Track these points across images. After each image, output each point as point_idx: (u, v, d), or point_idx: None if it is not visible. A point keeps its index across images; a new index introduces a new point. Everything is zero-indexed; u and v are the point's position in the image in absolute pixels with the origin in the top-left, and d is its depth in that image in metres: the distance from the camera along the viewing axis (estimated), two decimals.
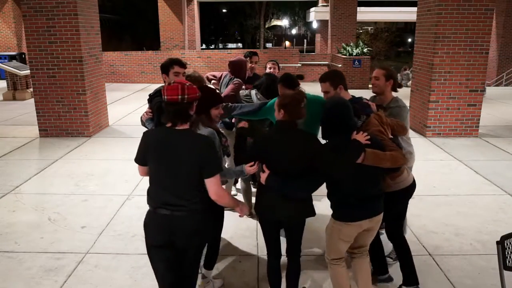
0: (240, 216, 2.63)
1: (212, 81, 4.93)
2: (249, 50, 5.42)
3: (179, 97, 2.32)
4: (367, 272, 2.92)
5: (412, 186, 3.12)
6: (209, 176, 2.35)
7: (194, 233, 2.39)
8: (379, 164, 2.63)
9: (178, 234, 2.36)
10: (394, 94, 3.44)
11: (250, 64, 5.02)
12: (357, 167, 2.59)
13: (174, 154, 2.36)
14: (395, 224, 3.20)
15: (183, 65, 3.53)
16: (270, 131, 2.88)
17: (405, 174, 3.04)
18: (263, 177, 2.66)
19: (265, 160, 2.69)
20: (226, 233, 3.92)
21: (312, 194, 2.78)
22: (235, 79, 4.46)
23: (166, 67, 3.46)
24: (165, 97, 2.35)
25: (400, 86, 3.48)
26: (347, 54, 15.19)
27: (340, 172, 2.58)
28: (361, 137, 2.64)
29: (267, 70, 5.00)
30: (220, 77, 4.88)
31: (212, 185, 2.36)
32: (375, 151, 2.63)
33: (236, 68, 4.60)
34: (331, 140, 2.71)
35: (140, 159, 2.63)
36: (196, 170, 2.34)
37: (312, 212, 2.77)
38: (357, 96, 3.23)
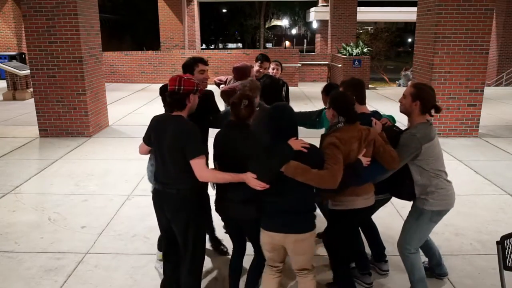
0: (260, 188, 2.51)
1: (220, 86, 4.89)
2: (261, 52, 5.20)
3: (176, 87, 2.69)
4: None
5: (363, 211, 2.82)
6: (191, 158, 2.59)
7: (179, 209, 2.71)
8: (299, 179, 2.48)
9: (166, 208, 2.77)
10: (429, 118, 2.90)
11: (258, 68, 4.65)
12: (282, 177, 2.49)
13: (164, 137, 2.68)
14: (337, 239, 2.92)
15: (206, 62, 3.66)
16: (221, 131, 2.83)
17: (350, 197, 2.74)
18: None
19: (218, 157, 2.78)
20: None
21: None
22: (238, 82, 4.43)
23: (190, 66, 3.56)
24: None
25: (439, 109, 2.86)
26: (347, 54, 15.18)
27: (261, 175, 2.49)
28: (296, 143, 2.53)
29: (270, 71, 4.99)
30: (226, 81, 4.88)
31: (194, 166, 2.60)
32: (298, 165, 2.47)
33: (239, 73, 4.55)
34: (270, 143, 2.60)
35: (146, 138, 2.89)
36: (180, 152, 2.61)
37: (253, 214, 2.66)
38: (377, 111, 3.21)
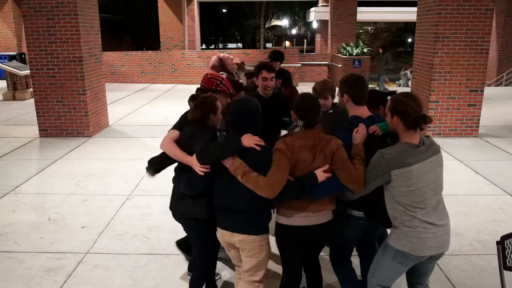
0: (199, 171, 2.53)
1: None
2: (273, 49, 5.12)
3: (200, 84, 2.98)
4: None
5: (306, 230, 2.47)
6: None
7: (184, 214, 2.80)
8: (239, 179, 2.36)
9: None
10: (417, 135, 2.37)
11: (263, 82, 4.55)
12: (226, 175, 2.42)
13: None
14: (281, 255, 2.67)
15: (270, 69, 3.60)
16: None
17: (293, 211, 2.47)
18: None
19: None
20: None
21: None
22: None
23: (256, 72, 3.64)
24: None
25: (426, 120, 2.31)
26: (347, 54, 15.18)
27: (200, 156, 2.48)
28: (249, 139, 2.40)
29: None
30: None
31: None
32: (241, 164, 2.36)
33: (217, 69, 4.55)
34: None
35: None
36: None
37: (203, 212, 2.64)
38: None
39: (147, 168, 3.01)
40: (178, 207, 2.80)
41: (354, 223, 2.64)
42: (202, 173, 2.50)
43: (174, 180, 2.83)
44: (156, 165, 2.97)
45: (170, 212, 4.60)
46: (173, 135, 2.80)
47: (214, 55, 4.91)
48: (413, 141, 2.32)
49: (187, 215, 2.77)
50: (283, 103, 3.67)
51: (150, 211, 4.70)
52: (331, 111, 3.29)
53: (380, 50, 13.47)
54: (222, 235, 2.57)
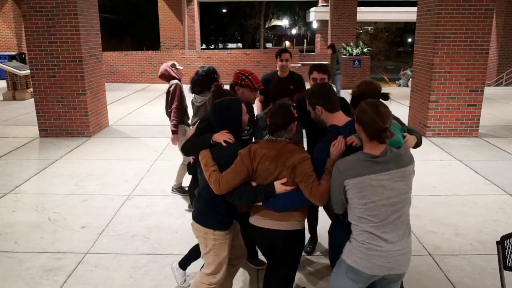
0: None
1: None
2: (280, 48, 5.18)
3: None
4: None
5: (258, 231, 2.51)
6: None
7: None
8: (203, 168, 2.54)
9: None
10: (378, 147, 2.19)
11: (280, 63, 4.38)
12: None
13: None
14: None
15: (320, 69, 3.55)
16: None
17: (253, 215, 2.53)
18: None
19: None
20: None
21: None
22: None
23: (309, 73, 3.68)
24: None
25: (382, 138, 2.12)
26: (347, 54, 15.19)
27: (182, 150, 2.90)
28: (220, 135, 2.55)
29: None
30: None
31: None
32: (206, 156, 2.55)
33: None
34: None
35: None
36: None
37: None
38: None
39: None
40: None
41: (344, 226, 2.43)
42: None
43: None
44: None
45: (170, 212, 4.65)
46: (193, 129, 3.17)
47: (164, 63, 5.11)
48: (374, 152, 2.15)
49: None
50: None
51: (150, 211, 4.70)
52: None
53: (329, 51, 13.14)
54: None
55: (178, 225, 4.36)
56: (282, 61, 4.35)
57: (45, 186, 5.45)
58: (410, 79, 12.08)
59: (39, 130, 7.86)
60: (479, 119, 7.71)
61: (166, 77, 4.92)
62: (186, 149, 2.83)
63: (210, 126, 2.73)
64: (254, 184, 2.45)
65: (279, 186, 2.37)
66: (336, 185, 2.21)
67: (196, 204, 2.72)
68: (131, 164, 6.24)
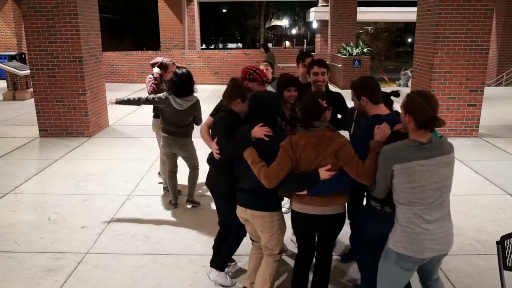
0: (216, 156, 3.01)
1: None
2: (301, 50, 5.11)
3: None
4: (254, 269, 3.05)
5: (303, 218, 2.65)
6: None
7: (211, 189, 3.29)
8: (250, 165, 2.67)
9: None
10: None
11: (304, 68, 4.00)
12: (242, 159, 2.74)
13: None
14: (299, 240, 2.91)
15: (320, 64, 3.62)
16: None
17: (297, 203, 2.66)
18: None
19: None
20: None
21: None
22: None
23: (308, 68, 3.71)
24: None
25: (439, 123, 2.25)
26: (347, 54, 15.18)
27: (222, 152, 2.91)
28: (259, 130, 2.67)
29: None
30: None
31: None
32: (251, 153, 2.67)
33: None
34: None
35: None
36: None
37: (223, 188, 3.07)
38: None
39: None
40: (208, 181, 3.27)
41: (386, 218, 2.56)
42: (217, 158, 2.97)
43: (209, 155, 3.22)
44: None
45: (170, 212, 4.65)
46: (208, 121, 3.33)
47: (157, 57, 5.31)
48: (421, 140, 2.27)
49: (212, 187, 3.26)
50: (334, 99, 3.48)
51: (150, 211, 4.70)
52: None
53: (262, 50, 12.95)
54: (239, 210, 2.93)
55: (178, 225, 4.36)
56: (316, 74, 3.60)
57: (45, 186, 5.45)
58: (410, 79, 12.07)
59: (39, 130, 7.86)
60: (479, 119, 7.71)
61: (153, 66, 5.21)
62: (227, 152, 2.87)
63: (231, 125, 2.90)
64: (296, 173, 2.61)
65: (324, 173, 2.51)
66: (382, 170, 2.33)
67: (245, 196, 2.83)
68: (131, 164, 6.24)
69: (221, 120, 3.04)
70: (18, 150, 7.02)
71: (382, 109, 2.72)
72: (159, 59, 5.22)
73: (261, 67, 5.12)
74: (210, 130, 3.26)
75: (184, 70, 4.41)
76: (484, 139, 7.60)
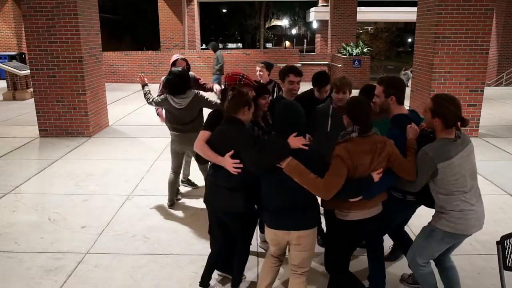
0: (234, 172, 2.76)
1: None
2: (265, 60, 5.18)
3: (223, 84, 3.24)
4: (271, 283, 2.91)
5: (358, 224, 2.69)
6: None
7: (222, 209, 2.96)
8: (296, 179, 2.50)
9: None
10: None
11: (291, 85, 3.79)
12: (277, 176, 2.55)
13: None
14: (332, 252, 2.90)
15: (297, 73, 3.67)
16: (220, 124, 2.97)
17: (350, 210, 2.66)
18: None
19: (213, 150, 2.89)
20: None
21: None
22: None
23: (281, 75, 3.70)
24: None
25: (465, 123, 2.61)
26: (347, 54, 15.18)
27: (256, 166, 2.60)
28: (296, 141, 2.53)
29: (257, 74, 5.07)
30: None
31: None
32: (297, 165, 2.49)
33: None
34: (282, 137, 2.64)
35: None
36: None
37: (240, 207, 2.80)
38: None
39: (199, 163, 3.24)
40: (217, 202, 2.93)
41: (408, 206, 3.00)
42: (235, 173, 2.70)
43: (211, 175, 2.92)
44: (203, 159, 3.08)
45: (170, 212, 4.65)
46: (204, 136, 2.96)
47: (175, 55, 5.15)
48: (450, 136, 2.60)
49: (225, 209, 2.89)
50: (308, 105, 3.61)
51: (150, 211, 4.70)
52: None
53: (211, 49, 12.72)
54: (276, 234, 2.68)
55: (178, 225, 4.36)
56: (291, 83, 3.68)
57: (45, 186, 5.45)
58: (410, 79, 12.08)
59: (39, 130, 7.86)
60: (479, 119, 7.71)
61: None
62: (262, 165, 2.59)
63: (253, 135, 2.86)
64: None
65: (376, 176, 2.57)
66: (426, 169, 2.58)
67: (291, 216, 2.60)
68: (131, 164, 6.24)
69: (241, 131, 2.78)
70: (18, 150, 7.02)
71: (403, 109, 2.93)
72: (175, 57, 5.07)
73: (257, 68, 5.14)
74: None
75: (179, 68, 4.40)
76: (484, 139, 7.60)
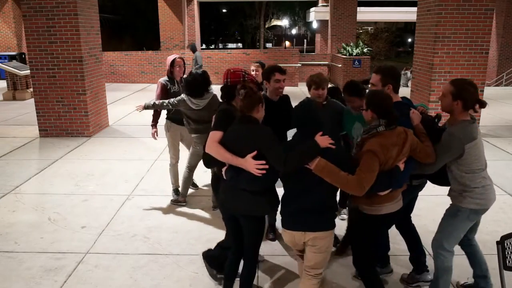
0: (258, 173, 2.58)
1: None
2: (260, 60, 5.19)
3: (224, 80, 3.06)
4: None
5: (389, 216, 2.76)
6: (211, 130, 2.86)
7: (244, 212, 2.79)
8: (326, 179, 2.49)
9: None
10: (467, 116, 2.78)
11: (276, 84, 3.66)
12: (308, 176, 2.51)
13: None
14: (361, 241, 2.87)
15: (282, 71, 3.65)
16: (233, 124, 2.81)
17: (379, 204, 2.69)
18: (224, 169, 2.75)
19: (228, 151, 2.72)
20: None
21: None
22: None
23: (267, 74, 3.66)
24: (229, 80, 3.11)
25: (483, 104, 2.74)
26: (347, 54, 15.19)
27: (285, 166, 2.50)
28: (324, 140, 2.52)
29: (252, 73, 5.06)
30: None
31: (208, 137, 2.83)
32: (327, 164, 2.47)
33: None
34: (303, 137, 2.61)
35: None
36: None
37: (264, 210, 2.74)
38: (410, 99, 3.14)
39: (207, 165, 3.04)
40: (238, 205, 2.74)
41: (411, 190, 3.08)
42: (260, 174, 2.55)
43: (232, 179, 2.71)
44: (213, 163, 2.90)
45: (170, 212, 4.65)
46: (217, 136, 2.76)
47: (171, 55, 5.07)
48: (468, 118, 2.75)
49: (247, 212, 2.74)
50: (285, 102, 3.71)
51: (150, 211, 4.70)
52: (325, 102, 3.52)
53: (189, 50, 12.62)
54: (293, 236, 2.65)
55: (178, 225, 4.36)
56: (278, 81, 3.61)
57: (45, 186, 5.45)
58: (410, 80, 12.08)
59: (39, 130, 7.86)
60: (479, 119, 7.71)
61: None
62: (292, 165, 2.51)
63: (225, 117, 2.79)
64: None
65: (401, 166, 2.62)
66: (454, 150, 2.69)
67: (309, 216, 2.59)
68: (131, 164, 6.24)
69: (263, 130, 2.65)
70: (18, 150, 7.02)
71: (398, 97, 3.01)
72: (172, 57, 5.01)
73: (252, 67, 5.14)
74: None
75: (199, 71, 4.37)
76: (484, 139, 7.60)
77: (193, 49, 11.99)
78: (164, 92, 4.82)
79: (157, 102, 4.56)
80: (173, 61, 4.89)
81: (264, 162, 2.55)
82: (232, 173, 2.69)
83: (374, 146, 2.51)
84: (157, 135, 4.99)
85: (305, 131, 2.61)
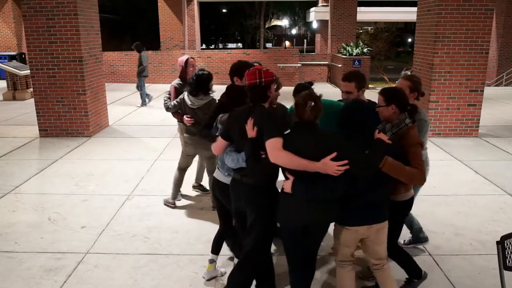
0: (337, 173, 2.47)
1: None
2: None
3: (257, 81, 2.73)
4: (391, 285, 2.85)
5: (411, 200, 3.08)
6: (266, 139, 2.58)
7: (319, 222, 2.75)
8: (394, 175, 2.64)
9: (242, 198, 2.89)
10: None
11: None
12: (376, 172, 2.60)
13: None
14: (396, 234, 3.11)
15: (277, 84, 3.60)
16: (290, 132, 2.67)
17: (411, 190, 3.04)
18: (288, 184, 2.57)
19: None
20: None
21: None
22: None
23: (238, 70, 3.65)
24: (246, 81, 2.82)
25: (423, 95, 3.29)
26: (347, 54, 15.18)
27: (369, 168, 2.52)
28: (384, 137, 2.65)
29: None
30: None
31: (268, 145, 2.57)
32: (393, 161, 2.61)
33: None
34: (352, 139, 2.61)
35: (225, 134, 2.96)
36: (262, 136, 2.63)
37: (333, 215, 2.67)
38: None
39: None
40: (315, 217, 2.63)
41: None
42: (337, 174, 2.45)
43: (306, 191, 2.55)
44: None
45: (170, 212, 4.64)
46: (279, 143, 2.54)
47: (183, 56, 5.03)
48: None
49: (325, 222, 2.73)
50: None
51: (150, 211, 4.70)
52: (275, 105, 3.40)
53: (135, 50, 11.72)
54: (357, 232, 2.72)
55: (178, 225, 4.36)
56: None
57: (45, 186, 5.45)
58: None
59: (39, 130, 7.86)
60: (479, 119, 7.71)
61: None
62: (375, 165, 2.53)
63: (283, 122, 2.76)
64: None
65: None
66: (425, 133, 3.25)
67: (374, 210, 2.69)
68: (131, 164, 6.24)
69: (337, 135, 2.58)
70: (18, 150, 7.02)
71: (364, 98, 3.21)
72: (185, 57, 4.99)
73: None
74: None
75: (205, 72, 4.34)
76: (484, 139, 7.60)
77: (138, 49, 11.77)
78: (177, 95, 4.78)
79: (170, 106, 4.58)
80: (186, 62, 4.83)
81: (346, 162, 2.44)
82: (308, 186, 2.54)
83: (418, 139, 2.79)
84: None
85: (358, 131, 2.67)
